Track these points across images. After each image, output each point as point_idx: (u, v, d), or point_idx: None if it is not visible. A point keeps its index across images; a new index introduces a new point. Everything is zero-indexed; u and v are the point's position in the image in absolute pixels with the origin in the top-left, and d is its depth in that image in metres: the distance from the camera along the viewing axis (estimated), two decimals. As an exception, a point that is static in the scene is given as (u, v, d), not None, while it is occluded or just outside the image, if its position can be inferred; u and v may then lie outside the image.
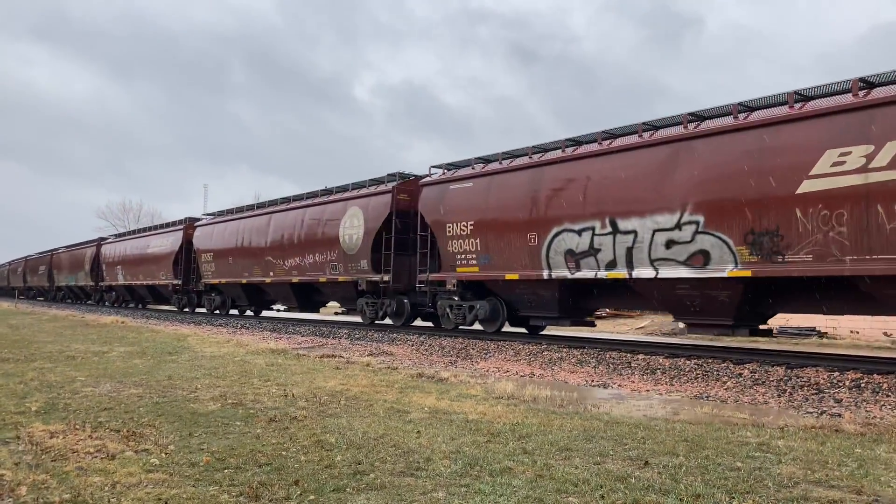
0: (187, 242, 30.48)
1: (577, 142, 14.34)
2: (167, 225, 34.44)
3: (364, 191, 20.33)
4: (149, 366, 10.72)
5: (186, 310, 31.97)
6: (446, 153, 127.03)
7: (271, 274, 23.78)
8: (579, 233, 13.38)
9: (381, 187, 19.62)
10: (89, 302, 45.54)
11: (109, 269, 39.72)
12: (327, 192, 22.43)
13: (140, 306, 39.12)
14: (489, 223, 15.64)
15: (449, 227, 16.62)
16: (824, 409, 7.71)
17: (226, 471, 4.55)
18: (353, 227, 19.88)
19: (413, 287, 18.60)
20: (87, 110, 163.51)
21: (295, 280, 22.57)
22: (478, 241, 15.84)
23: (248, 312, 29.03)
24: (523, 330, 17.43)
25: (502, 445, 5.38)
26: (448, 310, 17.18)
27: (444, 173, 17.77)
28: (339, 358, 12.32)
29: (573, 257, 13.53)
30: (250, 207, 27.15)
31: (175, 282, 31.18)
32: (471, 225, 16.02)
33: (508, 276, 15.02)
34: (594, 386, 9.55)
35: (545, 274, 14.16)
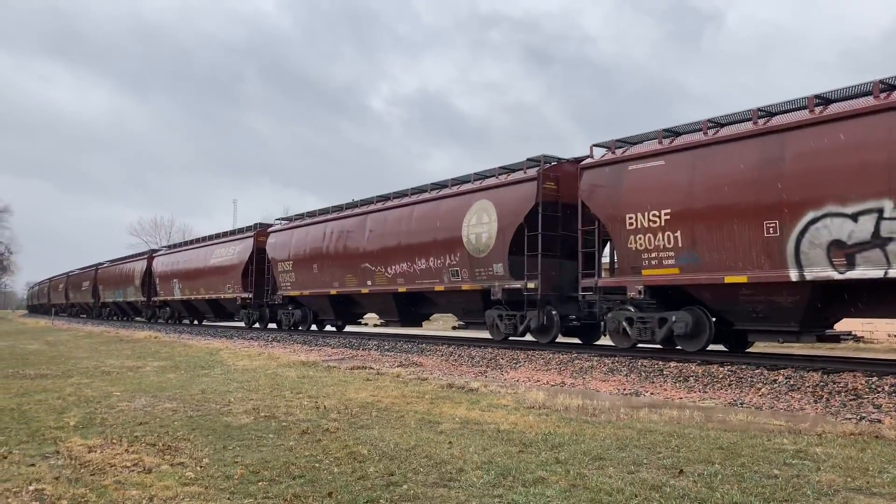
0: (259, 251, 27.05)
1: (826, 100, 11.10)
2: (233, 232, 30.95)
3: (493, 180, 16.72)
4: (182, 380, 10.85)
5: (257, 326, 28.30)
6: (467, 161, 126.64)
7: (369, 283, 20.13)
8: (854, 217, 10.13)
9: (519, 174, 16.09)
10: (139, 319, 42.97)
11: (164, 284, 36.30)
12: (439, 185, 18.85)
13: (196, 323, 36.32)
14: (696, 211, 12.20)
15: (630, 218, 13.15)
16: (863, 414, 7.56)
17: (260, 483, 4.59)
18: (481, 224, 16.40)
19: (561, 296, 15.47)
20: (105, 126, 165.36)
21: (402, 290, 18.92)
22: (678, 234, 12.46)
23: (329, 327, 26.06)
24: (720, 347, 14.24)
25: (535, 455, 5.36)
26: (625, 324, 13.59)
27: (611, 153, 14.10)
28: (370, 369, 12.37)
29: (842, 250, 10.30)
30: (337, 208, 23.27)
31: (244, 295, 27.57)
32: (665, 214, 12.54)
33: (730, 279, 11.64)
34: (626, 394, 9.47)
35: (792, 274, 10.81)
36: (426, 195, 18.93)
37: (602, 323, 14.78)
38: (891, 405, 8.03)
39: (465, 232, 16.88)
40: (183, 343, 20.95)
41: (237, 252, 28.52)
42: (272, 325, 27.91)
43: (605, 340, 15.61)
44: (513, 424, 6.75)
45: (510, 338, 16.75)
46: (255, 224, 28.65)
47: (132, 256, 44.99)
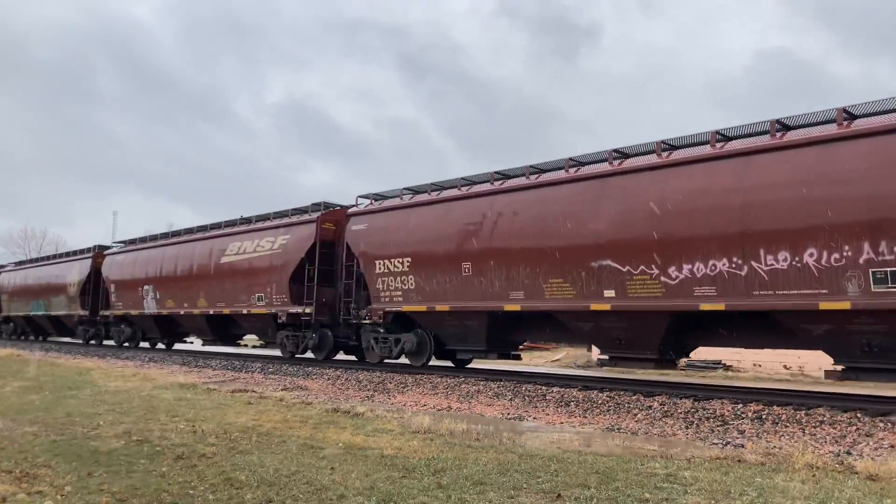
0: (323, 244, 18.18)
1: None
2: (264, 218, 21.23)
3: None
4: (47, 402, 10.17)
5: (309, 355, 19.34)
6: (348, 177, 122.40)
7: (610, 294, 11.92)
8: None
9: None
10: (66, 340, 33.10)
11: (124, 292, 26.50)
12: (784, 125, 10.67)
13: (165, 347, 27.29)
14: None
15: None
16: (729, 440, 8.00)
17: (127, 512, 4.34)
18: None
19: None
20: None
21: (709, 306, 10.80)
22: None
23: (443, 361, 17.19)
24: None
25: (417, 481, 5.35)
26: None
27: None
28: (252, 393, 12.01)
29: None
30: (502, 175, 14.64)
31: (295, 309, 18.32)
32: None
33: None
34: (510, 419, 9.62)
35: None
36: (768, 140, 10.54)
37: None
38: (753, 431, 8.55)
39: None
40: (50, 362, 19.65)
41: (282, 245, 19.17)
42: (315, 355, 18.89)
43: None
44: (397, 449, 6.71)
45: None
46: (319, 203, 19.30)
47: (61, 256, 34.01)
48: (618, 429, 8.78)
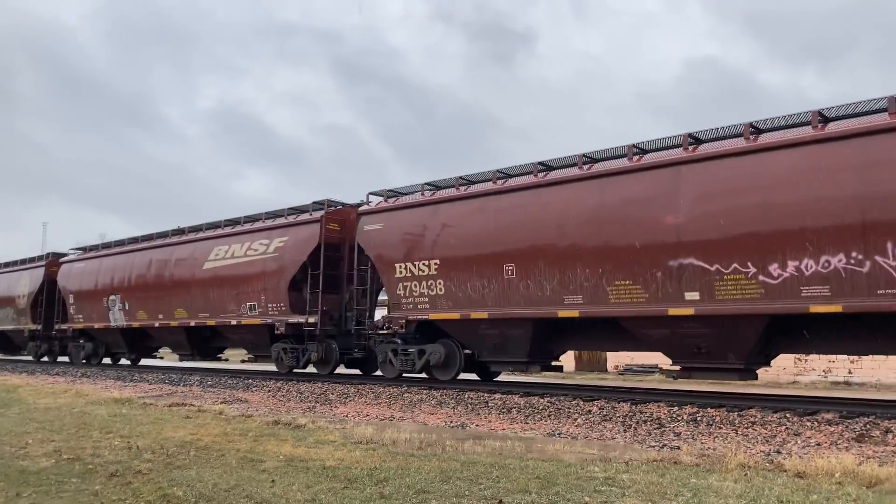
0: (328, 246, 16.49)
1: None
2: (251, 219, 19.18)
3: None
4: (-29, 421, 9.76)
5: (310, 370, 17.74)
6: (285, 185, 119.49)
7: (692, 296, 10.58)
8: None
9: None
10: (12, 357, 30.08)
11: (86, 303, 23.93)
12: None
13: (132, 364, 24.91)
14: None
15: None
16: (665, 442, 8.19)
17: (58, 533, 4.21)
18: None
19: None
20: None
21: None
22: None
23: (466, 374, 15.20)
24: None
25: (359, 491, 5.32)
26: None
27: None
28: (190, 406, 11.75)
29: None
30: (584, 160, 12.38)
31: (296, 319, 16.59)
32: None
33: None
34: (453, 427, 9.65)
35: None
36: (887, 119, 9.23)
37: None
38: (688, 433, 8.78)
39: None
40: (-26, 379, 18.84)
41: (279, 248, 17.18)
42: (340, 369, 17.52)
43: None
44: (339, 460, 6.67)
45: None
46: (321, 201, 17.28)
47: (7, 265, 30.41)
48: (559, 434, 8.90)
